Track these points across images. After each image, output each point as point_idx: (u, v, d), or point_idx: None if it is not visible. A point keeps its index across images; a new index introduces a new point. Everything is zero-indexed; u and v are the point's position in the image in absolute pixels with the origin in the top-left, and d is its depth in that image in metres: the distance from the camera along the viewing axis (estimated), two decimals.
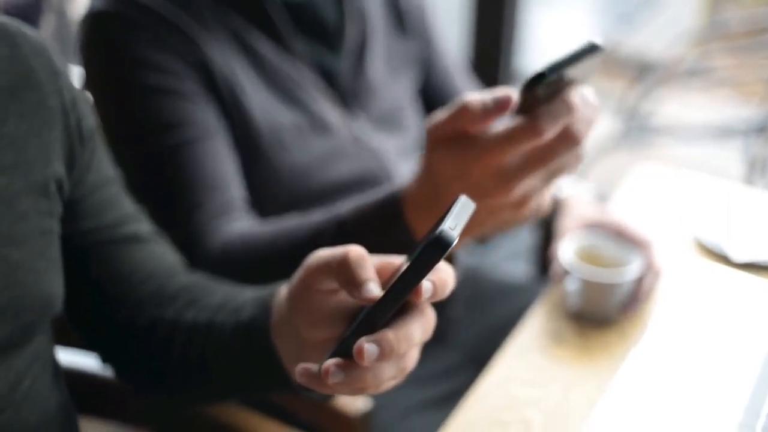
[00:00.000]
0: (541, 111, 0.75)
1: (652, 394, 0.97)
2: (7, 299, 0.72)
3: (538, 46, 2.96)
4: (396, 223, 0.87)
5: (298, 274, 0.68)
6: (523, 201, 0.81)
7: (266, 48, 1.13)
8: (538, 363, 1.03)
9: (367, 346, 0.57)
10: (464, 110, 0.77)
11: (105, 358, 0.93)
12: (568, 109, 0.76)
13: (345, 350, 0.58)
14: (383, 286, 0.62)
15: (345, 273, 0.62)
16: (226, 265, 0.99)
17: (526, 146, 0.76)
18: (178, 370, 0.86)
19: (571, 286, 1.10)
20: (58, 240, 0.80)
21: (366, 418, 1.01)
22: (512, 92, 0.76)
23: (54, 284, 0.78)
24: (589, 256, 1.12)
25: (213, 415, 1.02)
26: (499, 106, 0.76)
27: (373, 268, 0.63)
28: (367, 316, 0.58)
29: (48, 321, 0.79)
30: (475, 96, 0.77)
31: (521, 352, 1.05)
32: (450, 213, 0.54)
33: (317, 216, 0.97)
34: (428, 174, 0.83)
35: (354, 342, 0.57)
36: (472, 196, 0.79)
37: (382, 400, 1.20)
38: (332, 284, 0.64)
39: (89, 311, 0.89)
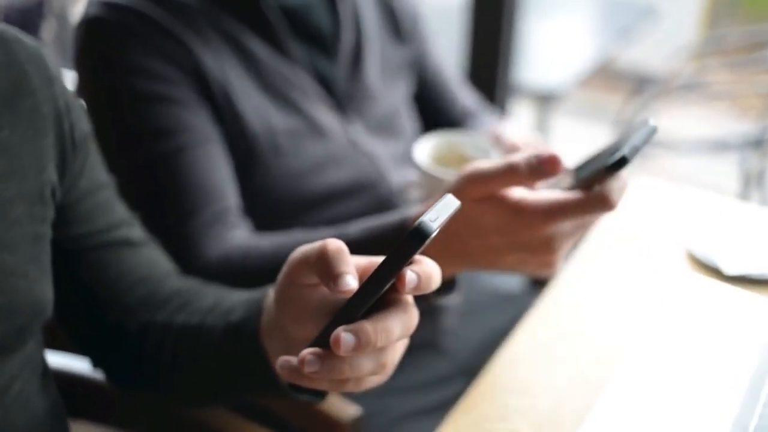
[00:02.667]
0: (611, 186, 0.76)
1: (642, 406, 0.97)
2: (0, 305, 0.72)
3: (535, 57, 2.96)
4: None
5: (283, 269, 0.68)
6: (556, 260, 0.82)
7: (263, 52, 1.13)
8: (528, 373, 1.03)
9: (344, 335, 0.56)
10: (511, 171, 0.76)
11: (96, 362, 0.93)
12: (626, 183, 0.78)
13: (324, 341, 0.58)
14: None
15: (323, 266, 0.61)
16: (224, 276, 0.99)
17: (590, 217, 0.77)
18: (169, 373, 0.86)
19: (417, 177, 1.09)
20: (50, 245, 0.80)
21: (356, 423, 1.01)
22: (557, 152, 0.77)
23: (45, 289, 0.79)
24: (453, 157, 1.12)
25: (203, 420, 1.02)
26: (546, 167, 0.75)
27: (351, 261, 0.62)
28: (346, 307, 0.58)
29: (39, 325, 0.80)
30: (521, 157, 0.77)
31: (512, 363, 1.05)
32: (433, 207, 0.54)
33: (322, 234, 0.97)
34: (462, 218, 0.82)
35: (331, 332, 0.57)
36: (514, 250, 0.80)
37: (374, 407, 1.20)
38: (314, 278, 0.64)
39: (80, 315, 0.89)
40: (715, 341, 1.08)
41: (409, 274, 0.58)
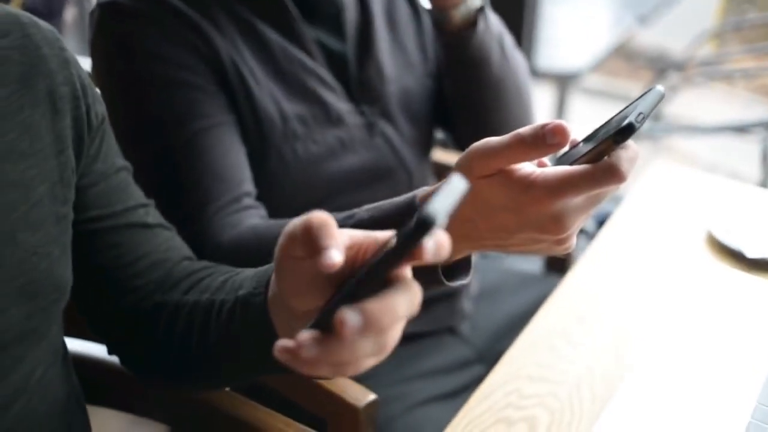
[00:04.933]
0: (621, 156, 0.73)
1: (661, 395, 0.96)
2: (22, 283, 0.73)
3: (555, 40, 2.94)
4: None
5: (278, 242, 0.65)
6: (568, 237, 0.79)
7: (276, 37, 1.12)
8: (547, 361, 1.02)
9: (350, 316, 0.53)
10: (517, 143, 0.73)
11: (111, 349, 0.93)
12: (636, 153, 0.75)
13: (325, 322, 0.56)
14: (365, 261, 0.60)
15: (309, 240, 0.59)
16: (237, 257, 0.98)
17: (601, 190, 0.74)
18: (180, 354, 0.86)
19: None
20: (71, 227, 0.80)
21: (371, 407, 1.01)
22: (564, 122, 0.74)
23: (67, 270, 0.79)
24: None
25: (217, 405, 1.01)
26: (553, 137, 0.71)
27: (336, 234, 0.59)
28: (350, 288, 0.56)
29: (60, 308, 0.80)
30: (527, 128, 0.73)
31: (529, 350, 1.04)
32: (439, 192, 0.52)
33: (333, 216, 0.96)
34: (469, 197, 0.79)
35: (334, 313, 0.54)
36: (523, 228, 0.77)
37: (391, 393, 1.20)
38: (303, 251, 0.62)
39: (95, 299, 0.89)
40: (736, 328, 1.07)
41: (428, 243, 0.53)
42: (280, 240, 0.64)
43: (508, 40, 1.27)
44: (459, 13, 1.16)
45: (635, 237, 1.28)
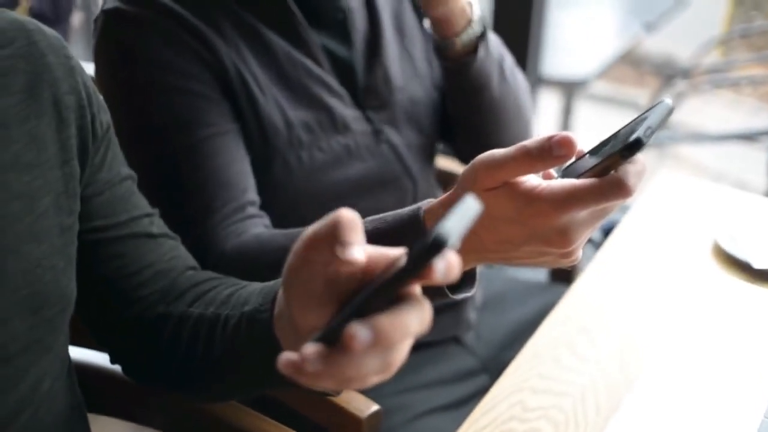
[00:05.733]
0: (628, 170, 0.72)
1: (667, 407, 0.96)
2: (26, 295, 0.72)
3: (562, 46, 2.94)
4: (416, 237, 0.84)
5: (294, 247, 0.64)
6: (574, 250, 0.79)
7: (282, 44, 1.12)
8: (551, 373, 1.02)
9: (361, 331, 0.52)
10: (523, 155, 0.72)
11: (114, 358, 0.93)
12: (644, 167, 0.74)
13: (333, 335, 0.55)
14: (377, 276, 0.60)
15: (335, 234, 0.58)
16: (240, 267, 0.98)
17: (608, 204, 0.73)
18: (184, 366, 0.85)
19: None
20: (76, 238, 0.80)
21: (374, 418, 1.00)
22: (570, 134, 0.73)
23: (72, 281, 0.79)
24: None
25: (220, 416, 1.01)
26: (560, 149, 0.70)
27: (362, 233, 0.59)
28: (358, 303, 0.55)
29: (66, 320, 0.80)
30: (533, 140, 0.72)
31: (534, 361, 1.04)
32: (452, 212, 0.52)
33: None
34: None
35: (343, 327, 0.53)
36: (529, 241, 0.77)
37: (395, 404, 1.19)
38: (324, 253, 0.60)
39: (98, 307, 0.89)
40: (743, 339, 1.07)
41: (438, 264, 0.52)
42: (297, 244, 0.63)
43: (509, 61, 1.28)
44: (461, 41, 1.16)
45: (641, 247, 1.27)
